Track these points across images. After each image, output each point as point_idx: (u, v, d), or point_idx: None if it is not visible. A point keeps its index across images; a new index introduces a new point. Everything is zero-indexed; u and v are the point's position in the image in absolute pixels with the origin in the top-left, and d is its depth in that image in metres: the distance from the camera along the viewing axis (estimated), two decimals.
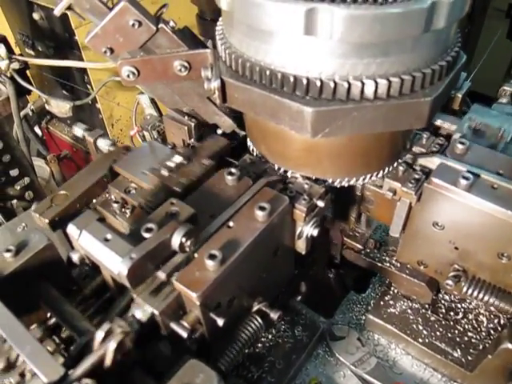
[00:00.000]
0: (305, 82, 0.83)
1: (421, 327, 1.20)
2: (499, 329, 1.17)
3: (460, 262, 1.06)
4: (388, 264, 1.27)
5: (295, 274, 1.23)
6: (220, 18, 1.00)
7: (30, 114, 2.63)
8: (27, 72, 2.27)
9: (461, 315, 1.22)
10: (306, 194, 1.00)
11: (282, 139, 1.03)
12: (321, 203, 1.00)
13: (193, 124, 1.22)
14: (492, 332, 1.17)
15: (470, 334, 1.18)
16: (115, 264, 0.80)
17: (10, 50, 2.11)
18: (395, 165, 1.08)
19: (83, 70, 2.48)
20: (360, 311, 1.28)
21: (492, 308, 1.15)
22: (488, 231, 0.96)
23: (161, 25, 0.99)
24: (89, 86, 2.55)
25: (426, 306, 1.24)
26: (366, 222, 1.32)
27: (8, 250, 0.88)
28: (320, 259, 1.39)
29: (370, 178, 1.08)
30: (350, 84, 0.81)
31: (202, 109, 1.16)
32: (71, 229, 0.88)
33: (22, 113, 2.49)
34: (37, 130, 3.04)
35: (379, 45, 0.78)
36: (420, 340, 1.17)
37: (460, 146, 1.03)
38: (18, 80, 2.11)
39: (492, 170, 0.97)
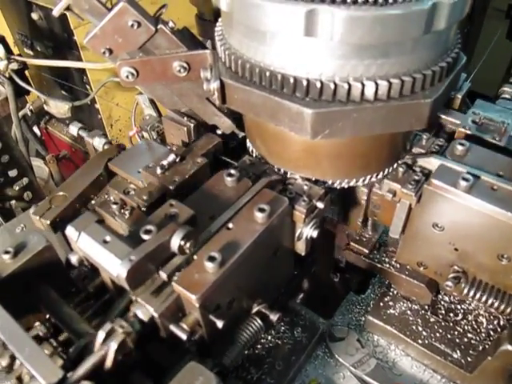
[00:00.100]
0: (305, 83, 0.82)
1: (420, 328, 1.19)
2: (499, 330, 1.17)
3: (460, 264, 1.06)
4: (388, 265, 1.26)
5: (295, 274, 1.23)
6: (219, 19, 1.00)
7: (29, 114, 2.62)
8: (26, 72, 2.26)
9: (460, 316, 1.21)
10: (305, 195, 1.00)
11: (281, 140, 1.03)
12: (320, 204, 1.00)
13: (192, 125, 1.21)
14: (492, 333, 1.17)
15: (469, 335, 1.17)
16: (114, 266, 0.80)
17: (8, 51, 2.11)
18: (395, 166, 1.08)
19: (82, 71, 2.47)
20: (360, 312, 1.28)
21: (492, 309, 1.15)
22: (488, 232, 0.95)
23: (160, 25, 0.99)
24: (88, 87, 2.55)
25: (426, 307, 1.24)
26: (372, 227, 1.31)
27: (6, 252, 0.88)
28: (322, 261, 1.38)
29: (370, 179, 1.08)
30: (350, 85, 0.81)
31: (202, 110, 1.16)
32: (70, 231, 0.88)
33: (21, 113, 2.49)
34: (35, 130, 3.03)
35: (379, 46, 0.78)
36: (420, 341, 1.17)
37: (460, 148, 1.03)
38: (16, 80, 2.10)
39: (492, 172, 0.97)
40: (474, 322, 1.20)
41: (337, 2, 0.73)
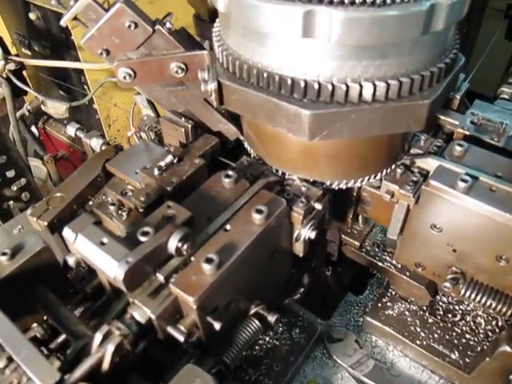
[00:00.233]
0: (302, 84, 0.82)
1: (418, 329, 1.19)
2: (497, 331, 1.17)
3: (458, 265, 1.06)
4: (388, 264, 1.26)
5: (292, 273, 1.23)
6: (217, 20, 1.00)
7: (27, 114, 2.62)
8: (24, 72, 2.26)
9: (459, 317, 1.21)
10: (303, 196, 1.00)
11: (279, 141, 1.03)
12: (318, 206, 1.00)
13: (190, 126, 1.21)
14: (490, 334, 1.17)
15: (467, 336, 1.17)
16: (111, 268, 0.80)
17: (5, 51, 2.10)
18: (393, 167, 1.07)
19: (80, 71, 2.46)
20: (358, 313, 1.28)
21: (490, 310, 1.15)
22: (486, 234, 0.95)
23: (157, 26, 0.99)
24: (85, 87, 2.54)
25: (424, 307, 1.24)
26: (363, 220, 1.32)
27: (4, 254, 0.88)
28: (317, 257, 1.38)
29: (368, 180, 1.07)
30: (348, 87, 0.81)
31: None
32: (67, 232, 0.88)
33: (19, 113, 2.48)
34: (34, 130, 3.02)
35: (377, 47, 0.78)
36: (418, 342, 1.17)
37: (458, 148, 1.03)
38: (13, 81, 2.10)
39: (490, 173, 0.97)
40: (472, 323, 1.20)
41: (334, 2, 0.73)
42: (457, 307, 1.23)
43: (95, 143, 1.49)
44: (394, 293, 1.28)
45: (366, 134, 0.89)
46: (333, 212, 1.26)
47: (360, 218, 1.31)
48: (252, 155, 1.15)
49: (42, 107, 2.38)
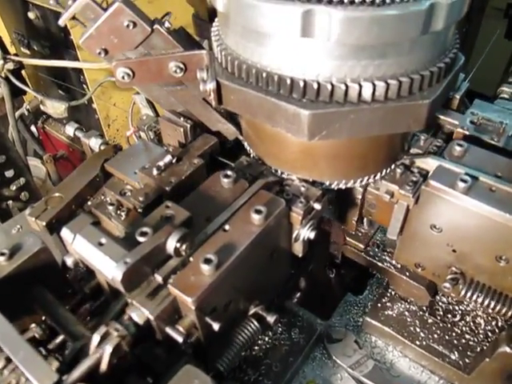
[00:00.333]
0: (301, 84, 0.82)
1: (418, 329, 1.19)
2: (497, 331, 1.17)
3: (458, 265, 1.05)
4: (388, 264, 1.26)
5: (292, 273, 1.23)
6: (216, 19, 0.99)
7: (26, 113, 2.61)
8: (23, 72, 2.25)
9: (458, 317, 1.21)
10: (302, 196, 0.99)
11: (278, 141, 1.02)
12: (317, 206, 1.00)
13: (188, 125, 1.21)
14: (490, 334, 1.17)
15: (467, 336, 1.17)
16: (109, 269, 0.79)
17: (4, 50, 2.10)
18: (393, 167, 1.07)
19: (79, 70, 2.46)
20: (357, 313, 1.28)
21: (490, 310, 1.15)
22: (486, 234, 0.95)
23: (156, 25, 0.98)
24: (85, 86, 2.53)
25: (424, 308, 1.23)
26: (368, 222, 1.31)
27: (2, 254, 0.87)
28: (318, 259, 1.38)
29: (368, 180, 1.07)
30: (347, 86, 0.81)
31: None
32: (65, 233, 0.87)
33: (18, 113, 2.48)
34: (33, 129, 3.02)
35: (377, 47, 0.78)
36: (417, 342, 1.16)
37: (458, 148, 1.02)
38: (12, 80, 2.09)
39: (490, 173, 0.97)
40: (472, 323, 1.19)
41: (334, 2, 0.73)
42: (456, 307, 1.23)
43: (94, 143, 1.48)
44: (393, 293, 1.27)
45: (365, 133, 0.89)
46: (337, 214, 1.26)
47: (365, 220, 1.30)
48: (251, 155, 1.15)
49: (41, 107, 2.38)
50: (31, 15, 2.40)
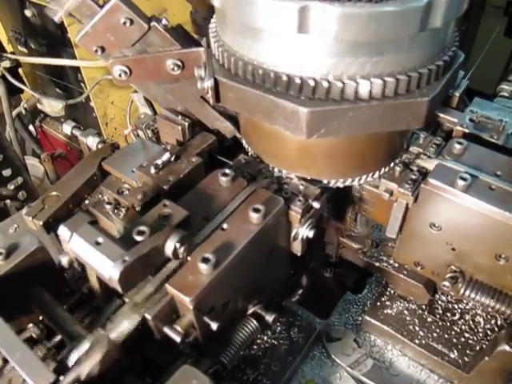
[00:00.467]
0: (298, 81, 0.81)
1: (417, 328, 1.19)
2: (496, 330, 1.17)
3: (457, 263, 1.05)
4: (385, 264, 1.26)
5: (291, 274, 1.22)
6: (213, 16, 0.99)
7: (24, 112, 2.60)
8: (20, 70, 2.24)
9: (457, 316, 1.21)
10: (301, 195, 0.99)
11: (276, 139, 1.02)
12: (316, 204, 0.99)
13: (186, 124, 1.20)
14: (489, 333, 1.16)
15: (466, 334, 1.17)
16: (106, 268, 0.79)
17: (1, 48, 2.09)
18: (392, 165, 1.06)
19: (76, 68, 2.45)
20: (356, 312, 1.27)
21: (489, 309, 1.14)
22: (485, 232, 0.94)
23: (153, 23, 0.97)
24: (82, 84, 2.53)
25: (423, 306, 1.23)
26: (363, 222, 1.31)
27: None
28: (316, 258, 1.38)
29: (366, 178, 1.06)
30: (344, 84, 0.80)
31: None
32: (62, 231, 0.87)
33: (16, 111, 2.47)
34: (31, 128, 3.01)
35: (374, 44, 0.77)
36: (416, 341, 1.16)
37: (458, 147, 1.02)
38: (9, 79, 2.08)
39: (490, 171, 0.96)
40: (471, 322, 1.19)
41: None
42: (456, 306, 1.23)
43: (91, 141, 1.48)
44: (392, 292, 1.27)
45: (364, 131, 0.88)
46: (332, 211, 1.26)
47: (359, 220, 1.30)
48: (249, 153, 1.14)
49: (38, 105, 2.36)
50: (28, 13, 2.40)
